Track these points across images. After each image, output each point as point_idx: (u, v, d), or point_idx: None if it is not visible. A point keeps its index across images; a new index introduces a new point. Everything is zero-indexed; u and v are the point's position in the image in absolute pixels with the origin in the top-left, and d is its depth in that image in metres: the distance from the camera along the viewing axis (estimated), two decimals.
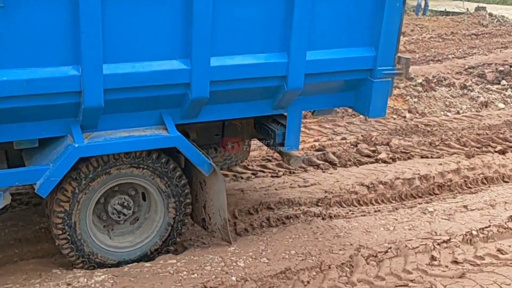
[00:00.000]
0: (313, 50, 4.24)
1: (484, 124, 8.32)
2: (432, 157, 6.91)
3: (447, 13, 19.68)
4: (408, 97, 9.15)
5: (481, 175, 6.48)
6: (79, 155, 3.77)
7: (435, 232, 5.01)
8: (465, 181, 6.34)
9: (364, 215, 5.43)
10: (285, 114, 4.67)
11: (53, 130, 3.83)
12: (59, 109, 3.71)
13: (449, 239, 4.85)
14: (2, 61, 3.40)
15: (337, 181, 6.11)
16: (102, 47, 3.58)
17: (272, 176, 6.26)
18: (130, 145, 3.93)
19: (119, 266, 4.18)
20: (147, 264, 4.16)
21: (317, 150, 6.89)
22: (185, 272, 3.99)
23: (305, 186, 5.97)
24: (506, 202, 5.76)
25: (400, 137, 7.55)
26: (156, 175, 4.13)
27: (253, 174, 6.30)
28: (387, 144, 7.17)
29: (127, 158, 3.99)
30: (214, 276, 3.96)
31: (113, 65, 3.67)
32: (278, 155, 6.32)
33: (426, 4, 19.52)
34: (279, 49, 4.17)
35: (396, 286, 4.17)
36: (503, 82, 10.39)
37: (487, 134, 7.76)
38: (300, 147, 6.36)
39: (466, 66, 11.35)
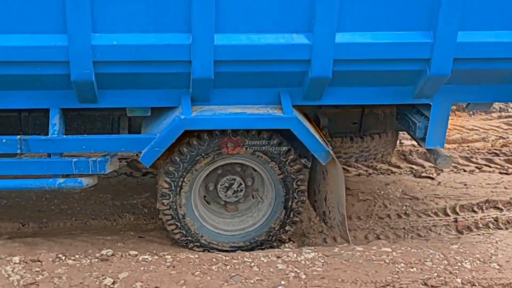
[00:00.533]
0: (466, 31, 3.54)
1: None
2: None
3: None
4: None
5: None
6: (184, 127, 3.63)
7: None
8: None
9: None
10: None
11: (163, 100, 3.74)
12: (169, 78, 3.59)
13: None
14: (113, 25, 3.38)
15: None
16: (214, 16, 3.36)
17: (500, 173, 5.84)
18: (237, 122, 3.68)
19: (227, 251, 4.03)
20: (359, 248, 3.94)
21: None
22: (402, 264, 3.71)
23: None
24: None
25: None
26: (267, 156, 3.84)
27: (477, 168, 5.93)
28: None
29: (234, 136, 3.77)
30: (436, 274, 3.60)
31: (225, 36, 3.44)
32: (507, 149, 6.20)
33: None
34: (423, 27, 3.55)
35: None
36: None
37: None
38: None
39: None
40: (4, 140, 3.66)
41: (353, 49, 3.53)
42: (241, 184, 4.04)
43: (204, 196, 4.13)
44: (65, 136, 3.72)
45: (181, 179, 3.82)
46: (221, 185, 4.02)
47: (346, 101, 3.92)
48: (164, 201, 3.88)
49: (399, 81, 3.81)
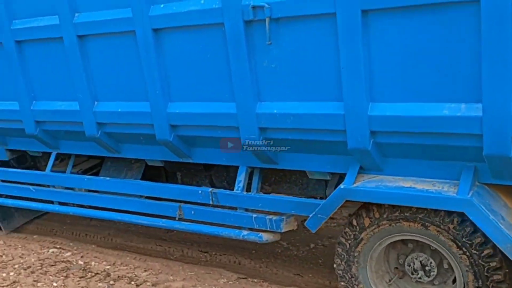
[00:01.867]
0: None
1: None
2: None
3: None
4: None
5: None
6: (345, 197, 3.52)
7: None
8: None
9: None
10: None
11: (333, 166, 3.71)
12: (330, 146, 3.57)
13: None
14: (274, 94, 3.57)
15: None
16: (367, 85, 3.21)
17: None
18: (396, 197, 3.34)
19: None
20: None
21: None
22: None
23: None
24: None
25: None
26: (446, 236, 3.39)
27: None
28: None
29: (400, 211, 3.46)
30: None
31: (381, 105, 3.23)
32: None
33: None
34: None
35: None
36: None
37: None
38: None
39: None
40: (200, 191, 4.27)
41: None
42: (430, 262, 3.67)
43: (396, 268, 3.90)
44: (245, 193, 4.08)
45: (352, 251, 3.72)
46: (407, 263, 3.74)
47: None
48: (339, 271, 3.84)
49: None
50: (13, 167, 5.63)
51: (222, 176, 4.86)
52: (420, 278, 3.67)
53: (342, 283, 3.82)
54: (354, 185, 3.53)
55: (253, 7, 3.41)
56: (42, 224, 6.21)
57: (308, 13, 3.29)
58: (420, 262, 3.64)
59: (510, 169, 3.12)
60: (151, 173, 5.01)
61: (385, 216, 3.52)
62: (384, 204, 3.51)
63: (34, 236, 5.79)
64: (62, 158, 5.38)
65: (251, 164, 4.08)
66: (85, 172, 5.27)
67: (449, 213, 3.32)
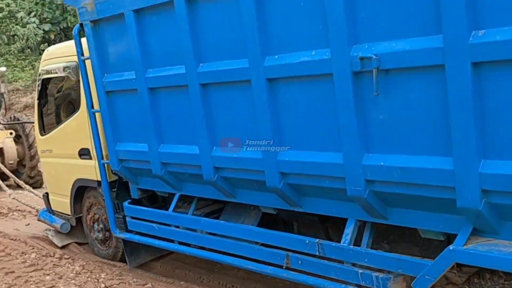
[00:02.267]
0: None
1: None
2: None
3: None
4: None
5: None
6: (453, 259, 3.30)
7: None
8: None
9: None
10: None
11: (446, 225, 3.49)
12: (440, 203, 3.38)
13: None
14: (382, 146, 3.49)
15: None
16: (479, 140, 3.03)
17: None
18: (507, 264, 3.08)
19: None
20: None
21: None
22: None
23: None
24: None
25: None
26: None
27: None
28: None
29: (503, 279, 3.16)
30: None
31: (495, 162, 3.02)
32: None
33: None
34: None
35: None
36: None
37: None
38: None
39: None
40: (307, 241, 4.24)
41: None
42: None
43: None
44: (351, 246, 3.98)
45: None
46: None
47: None
48: None
49: None
50: (145, 206, 6.03)
51: (338, 229, 4.80)
52: None
53: None
54: (465, 247, 3.31)
55: (361, 58, 3.41)
56: (184, 268, 6.27)
57: (416, 65, 3.23)
58: None
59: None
60: (268, 221, 5.09)
61: (499, 284, 3.25)
62: (498, 271, 3.24)
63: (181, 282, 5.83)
64: (189, 201, 5.65)
65: (360, 218, 4.00)
66: (207, 215, 5.47)
67: None
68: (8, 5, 22.99)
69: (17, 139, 11.69)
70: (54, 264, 6.44)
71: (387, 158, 3.50)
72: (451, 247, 3.34)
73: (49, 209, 7.37)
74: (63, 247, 7.14)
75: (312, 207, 4.28)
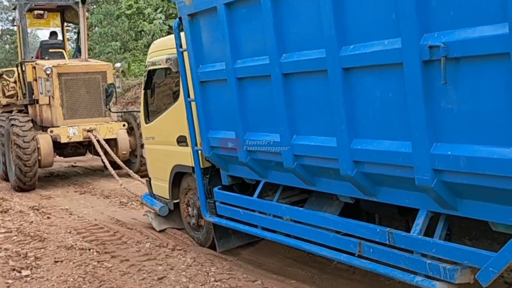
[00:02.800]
0: None
1: None
2: None
3: None
4: None
5: None
6: None
7: None
8: None
9: None
10: None
11: (504, 217, 3.47)
12: (508, 195, 3.35)
13: None
14: (451, 136, 3.52)
15: None
16: None
17: None
18: None
19: None
20: None
21: None
22: None
23: None
24: None
25: None
26: None
27: None
28: None
29: None
30: None
31: None
32: None
33: None
34: None
35: None
36: None
37: None
38: None
39: None
40: (378, 230, 4.33)
41: None
42: None
43: None
44: (420, 236, 4.02)
45: None
46: None
47: None
48: None
49: None
50: (235, 192, 6.37)
51: None
52: None
53: None
54: None
55: (430, 47, 3.47)
56: (297, 266, 6.26)
57: (482, 53, 3.24)
58: None
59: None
60: (351, 212, 5.21)
61: None
62: None
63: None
64: (276, 190, 5.88)
65: (431, 209, 4.03)
66: (293, 204, 5.69)
67: None
68: (136, 1, 24.68)
69: (130, 131, 12.63)
70: (166, 255, 6.67)
71: (455, 148, 3.53)
72: None
73: (151, 193, 7.95)
74: (161, 231, 7.66)
75: (386, 196, 4.36)
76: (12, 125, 11.64)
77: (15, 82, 14.17)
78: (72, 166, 15.26)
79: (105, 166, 11.58)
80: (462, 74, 3.41)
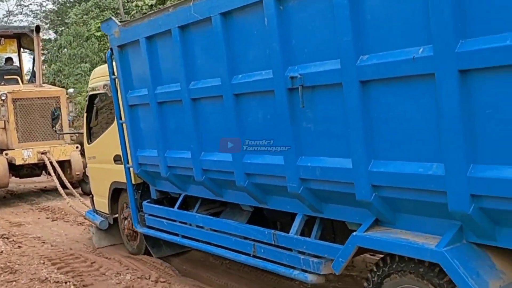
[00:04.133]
0: None
1: None
2: None
3: None
4: None
5: None
6: (355, 243, 4.17)
7: None
8: None
9: None
10: None
11: (352, 217, 4.40)
12: (347, 198, 4.28)
13: None
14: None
15: None
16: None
17: None
18: (384, 245, 4.02)
19: None
20: None
21: None
22: None
23: None
24: None
25: None
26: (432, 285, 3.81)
27: None
28: None
29: (393, 262, 4.00)
30: None
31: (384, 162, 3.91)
32: None
33: None
34: None
35: None
36: None
37: None
38: None
39: None
40: (266, 232, 5.21)
41: None
42: None
43: None
44: (296, 236, 4.90)
45: None
46: None
47: None
48: None
49: None
50: (164, 206, 7.21)
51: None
52: None
53: None
54: (365, 233, 4.17)
55: (292, 77, 4.39)
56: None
57: (327, 83, 4.17)
58: None
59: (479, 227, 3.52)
60: (258, 220, 6.06)
61: (393, 266, 4.06)
62: (395, 256, 4.06)
63: None
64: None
65: (305, 212, 4.91)
66: (213, 215, 6.52)
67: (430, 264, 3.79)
68: None
69: (83, 152, 13.43)
70: None
71: (313, 160, 4.44)
72: (354, 233, 4.22)
73: (94, 209, 8.75)
74: (99, 248, 8.45)
75: (273, 203, 5.23)
76: None
77: None
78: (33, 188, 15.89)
79: (58, 186, 12.33)
80: (316, 99, 4.33)
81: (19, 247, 8.96)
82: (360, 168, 4.03)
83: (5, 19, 40.16)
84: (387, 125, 3.89)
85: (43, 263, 7.76)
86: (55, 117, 9.07)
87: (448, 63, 3.40)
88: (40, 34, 13.71)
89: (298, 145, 4.55)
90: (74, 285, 6.66)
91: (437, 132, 3.56)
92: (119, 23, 6.61)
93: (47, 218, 11.55)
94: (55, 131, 10.07)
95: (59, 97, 13.54)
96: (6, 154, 12.81)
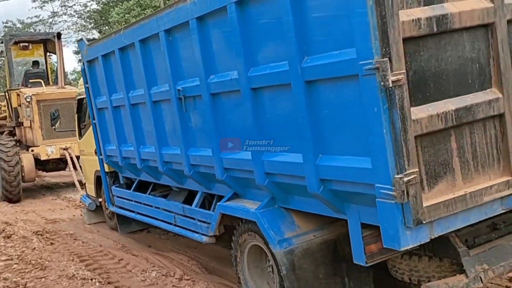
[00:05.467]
0: None
1: None
2: None
3: None
4: None
5: None
6: (219, 210, 5.92)
7: None
8: None
9: None
10: None
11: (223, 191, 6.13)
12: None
13: None
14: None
15: None
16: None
17: None
18: (225, 209, 5.84)
19: None
20: None
21: None
22: None
23: None
24: None
25: None
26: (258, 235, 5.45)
27: None
28: None
29: (241, 224, 5.68)
30: None
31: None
32: None
33: None
34: None
35: None
36: None
37: None
38: None
39: None
40: (179, 206, 6.99)
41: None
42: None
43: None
44: (194, 207, 6.65)
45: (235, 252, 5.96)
46: None
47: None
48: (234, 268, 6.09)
49: None
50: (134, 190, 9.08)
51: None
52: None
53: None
54: (224, 203, 5.89)
55: (178, 90, 6.14)
56: None
57: (194, 94, 5.91)
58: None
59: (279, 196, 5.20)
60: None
61: (242, 228, 5.73)
62: (242, 219, 5.74)
63: None
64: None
65: (204, 190, 6.66)
66: (163, 196, 8.31)
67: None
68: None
69: None
70: (173, 285, 6.73)
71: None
72: (219, 203, 5.95)
73: (86, 194, 10.75)
74: (90, 224, 10.44)
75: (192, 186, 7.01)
76: None
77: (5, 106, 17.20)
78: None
79: (75, 180, 14.26)
80: (194, 106, 6.05)
81: (52, 244, 9.31)
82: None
83: (50, 20, 43.33)
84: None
85: (72, 259, 8.11)
86: (55, 118, 11.14)
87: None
88: (62, 39, 15.71)
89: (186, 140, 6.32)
90: (99, 282, 6.97)
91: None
92: (87, 43, 8.51)
93: (81, 215, 11.71)
94: (54, 129, 12.15)
95: None
96: (32, 151, 14.83)
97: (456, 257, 4.52)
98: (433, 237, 4.03)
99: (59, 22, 43.69)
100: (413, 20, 3.78)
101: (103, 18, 39.41)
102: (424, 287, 4.50)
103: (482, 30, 4.15)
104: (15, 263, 7.95)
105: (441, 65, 3.97)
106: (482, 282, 4.64)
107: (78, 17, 43.13)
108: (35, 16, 43.68)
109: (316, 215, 5.13)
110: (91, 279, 6.99)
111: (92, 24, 41.80)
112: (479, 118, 4.10)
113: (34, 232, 10.08)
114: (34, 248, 8.79)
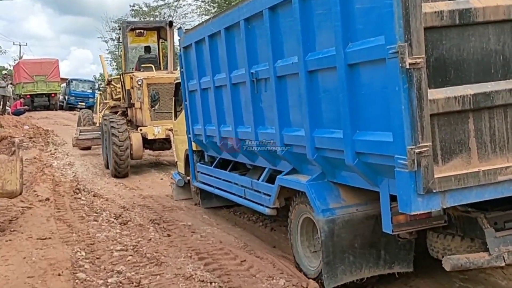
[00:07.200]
0: None
1: None
2: None
3: None
4: None
5: None
6: (278, 183, 6.72)
7: None
8: None
9: None
10: None
11: (283, 166, 6.88)
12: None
13: None
14: None
15: None
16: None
17: None
18: (286, 182, 6.57)
19: None
20: None
21: None
22: None
23: None
24: None
25: None
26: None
27: None
28: None
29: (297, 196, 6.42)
30: None
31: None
32: None
33: None
34: None
35: None
36: None
37: None
38: None
39: None
40: (249, 180, 7.84)
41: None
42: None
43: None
44: (258, 181, 7.49)
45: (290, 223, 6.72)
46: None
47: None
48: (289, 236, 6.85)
49: None
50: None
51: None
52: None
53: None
54: (283, 177, 6.67)
55: (251, 73, 7.00)
56: None
57: (265, 77, 6.73)
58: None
59: (333, 171, 5.90)
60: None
61: (297, 200, 6.49)
62: (298, 191, 6.49)
63: None
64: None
65: (271, 167, 7.47)
66: (241, 174, 9.21)
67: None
68: None
69: None
70: None
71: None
72: (278, 176, 6.73)
73: (177, 171, 11.89)
74: (177, 200, 11.53)
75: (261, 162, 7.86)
76: (112, 127, 15.86)
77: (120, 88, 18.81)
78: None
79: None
80: (266, 87, 6.88)
81: (168, 235, 8.79)
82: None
83: (175, 3, 44.11)
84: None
85: (190, 256, 7.57)
86: (155, 100, 12.37)
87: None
88: (173, 27, 17.01)
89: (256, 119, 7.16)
90: (220, 286, 6.41)
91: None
92: (184, 31, 9.61)
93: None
94: (154, 110, 13.41)
95: None
96: (141, 130, 16.04)
97: (482, 236, 5.05)
98: (444, 207, 4.61)
99: (184, 5, 44.34)
100: (435, 12, 4.38)
101: (227, 2, 39.63)
102: (445, 259, 5.06)
103: (509, 24, 4.66)
104: (130, 255, 7.63)
105: (463, 54, 4.54)
106: (505, 261, 5.13)
107: (202, 1, 42.66)
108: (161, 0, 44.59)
109: (362, 191, 5.79)
110: (210, 283, 6.46)
111: (216, 8, 42.09)
112: (499, 104, 4.61)
113: (151, 220, 9.80)
114: (150, 239, 8.49)
